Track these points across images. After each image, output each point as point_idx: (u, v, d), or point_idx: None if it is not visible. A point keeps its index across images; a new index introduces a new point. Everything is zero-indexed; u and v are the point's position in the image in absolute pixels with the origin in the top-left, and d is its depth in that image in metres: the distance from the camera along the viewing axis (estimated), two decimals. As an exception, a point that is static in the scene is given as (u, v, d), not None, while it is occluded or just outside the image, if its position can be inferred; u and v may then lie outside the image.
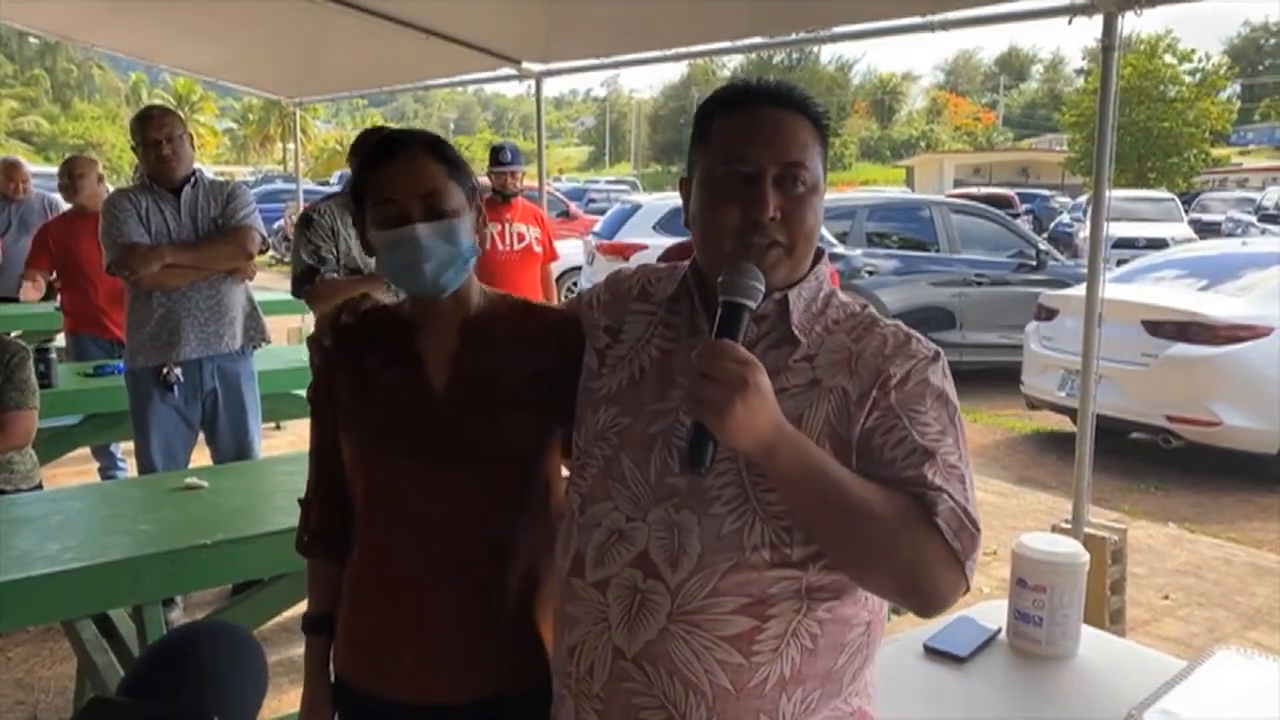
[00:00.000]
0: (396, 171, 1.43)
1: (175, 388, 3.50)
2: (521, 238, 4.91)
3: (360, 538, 1.53)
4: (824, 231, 7.52)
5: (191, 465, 3.63)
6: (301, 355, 5.02)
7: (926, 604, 1.18)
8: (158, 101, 47.65)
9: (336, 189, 3.95)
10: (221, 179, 3.93)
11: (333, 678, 1.56)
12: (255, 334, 3.73)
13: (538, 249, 4.97)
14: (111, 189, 4.17)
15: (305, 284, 3.39)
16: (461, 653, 1.47)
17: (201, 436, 3.73)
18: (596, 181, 29.20)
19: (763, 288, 1.18)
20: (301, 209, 3.64)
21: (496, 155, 4.95)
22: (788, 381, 1.21)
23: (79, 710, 0.84)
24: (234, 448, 3.66)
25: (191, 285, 3.51)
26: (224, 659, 0.93)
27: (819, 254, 1.29)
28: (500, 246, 4.80)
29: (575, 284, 11.18)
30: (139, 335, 3.52)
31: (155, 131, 3.47)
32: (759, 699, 1.17)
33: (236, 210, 3.64)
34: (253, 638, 0.98)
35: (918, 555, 1.14)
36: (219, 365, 3.59)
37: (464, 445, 1.45)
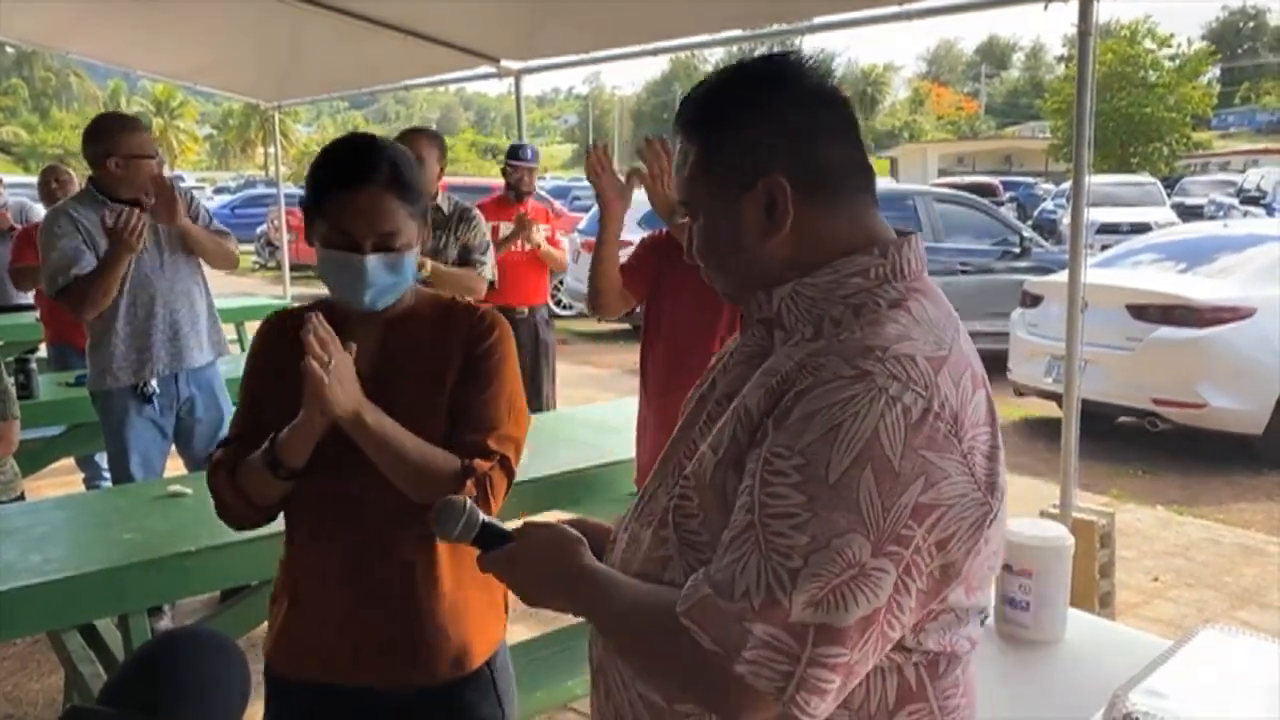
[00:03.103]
0: (357, 208, 1.50)
1: (153, 399, 3.46)
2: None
3: (292, 529, 1.61)
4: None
5: (167, 474, 3.59)
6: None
7: (718, 715, 0.97)
8: (136, 109, 47.42)
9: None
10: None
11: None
12: (218, 343, 3.68)
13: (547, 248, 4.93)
14: None
15: None
16: (397, 641, 1.57)
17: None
18: (580, 179, 29.13)
19: (462, 510, 1.15)
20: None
21: (516, 152, 4.88)
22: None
23: (57, 720, 0.83)
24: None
25: (160, 302, 3.41)
26: (204, 665, 0.92)
27: (892, 243, 1.03)
28: (513, 246, 4.72)
29: (561, 282, 11.14)
30: (103, 355, 3.40)
31: (152, 146, 3.34)
32: None
33: (209, 220, 3.61)
34: (234, 644, 0.97)
35: (666, 665, 0.97)
36: (192, 373, 3.56)
37: (353, 456, 1.50)
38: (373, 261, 1.51)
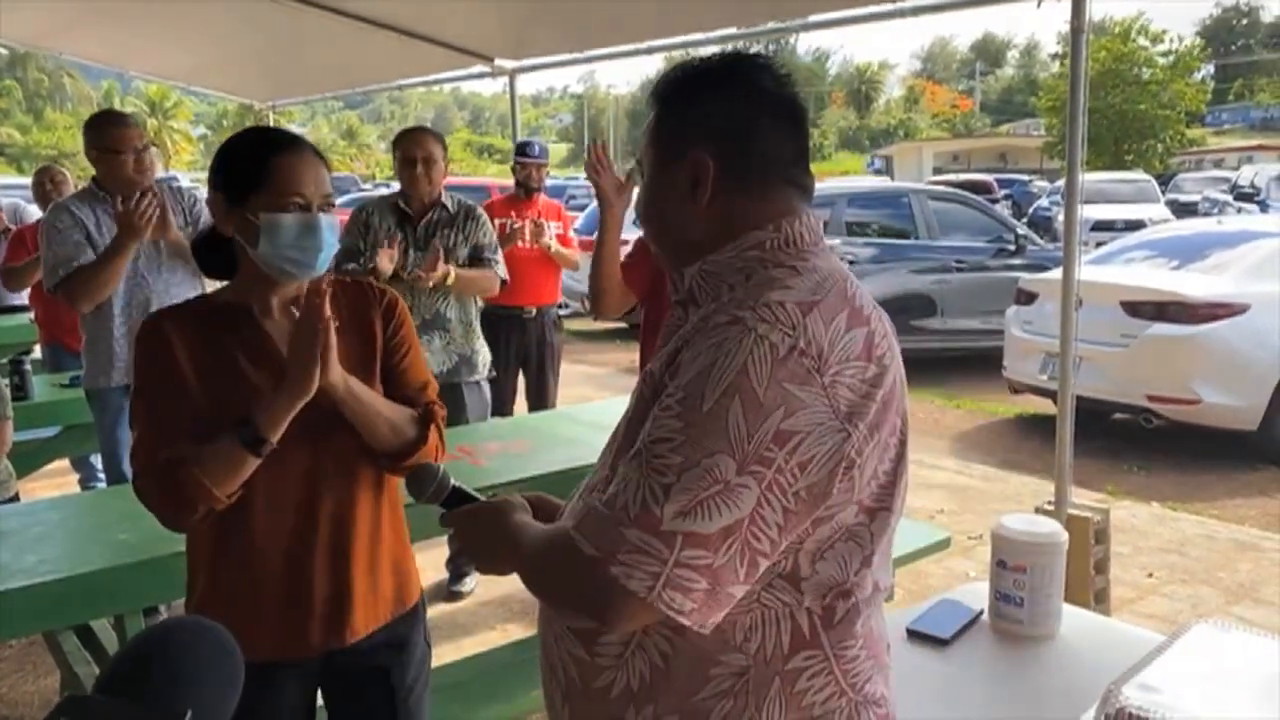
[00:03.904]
0: (305, 169, 1.60)
1: None
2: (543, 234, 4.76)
3: (231, 517, 1.58)
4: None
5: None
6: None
7: (600, 620, 1.08)
8: (130, 109, 47.32)
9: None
10: (178, 186, 3.83)
11: None
12: None
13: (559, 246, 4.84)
14: None
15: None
16: (363, 594, 1.69)
17: None
18: (577, 178, 29.06)
19: (437, 475, 1.31)
20: None
21: (524, 149, 4.81)
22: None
23: (52, 710, 0.83)
24: None
25: (155, 303, 3.35)
26: (197, 654, 0.92)
27: (785, 219, 1.14)
28: (521, 243, 4.65)
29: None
30: (99, 354, 3.40)
31: (136, 140, 3.31)
32: (605, 703, 1.13)
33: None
34: (227, 633, 0.97)
35: (556, 579, 1.10)
36: None
37: (311, 419, 1.56)
38: (324, 220, 1.61)
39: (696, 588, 1.00)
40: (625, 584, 0.99)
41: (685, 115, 1.17)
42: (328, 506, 1.64)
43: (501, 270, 3.73)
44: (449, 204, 3.68)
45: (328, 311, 1.51)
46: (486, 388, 3.90)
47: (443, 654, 2.82)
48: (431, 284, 3.46)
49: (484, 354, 3.84)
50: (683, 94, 1.18)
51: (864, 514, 1.09)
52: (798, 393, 1.01)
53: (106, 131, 3.32)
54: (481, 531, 1.24)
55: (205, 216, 3.59)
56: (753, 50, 1.26)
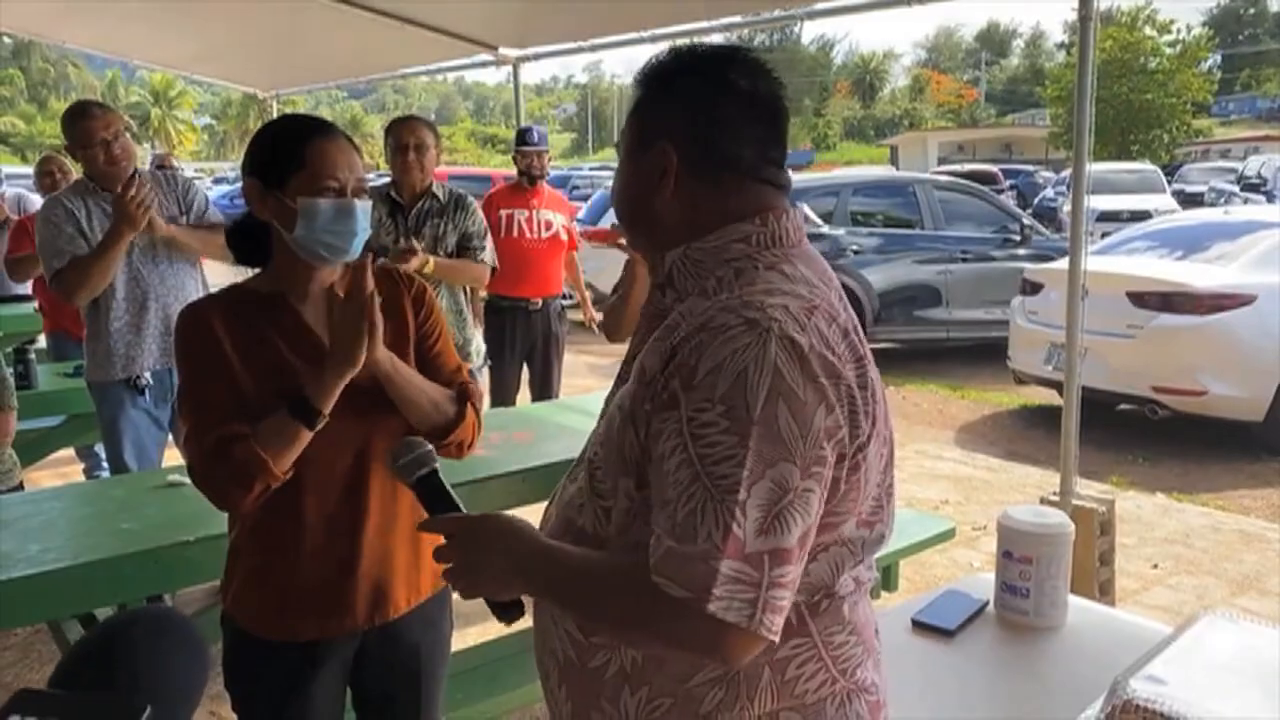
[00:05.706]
0: (340, 154, 1.62)
1: (146, 391, 3.44)
2: (549, 225, 4.72)
3: (280, 497, 1.59)
4: (808, 211, 7.15)
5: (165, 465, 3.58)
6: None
7: (714, 661, 1.05)
8: (134, 99, 47.08)
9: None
10: (167, 171, 3.79)
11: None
12: None
13: (564, 237, 4.80)
14: None
15: None
16: (398, 573, 1.72)
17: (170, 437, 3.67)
18: (580, 168, 28.93)
19: (425, 448, 1.32)
20: None
21: (523, 136, 4.76)
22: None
23: (5, 704, 0.81)
24: None
25: (153, 298, 3.37)
26: (160, 647, 0.90)
27: (772, 213, 1.14)
28: (528, 234, 4.62)
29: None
30: (98, 348, 3.38)
31: (103, 131, 3.25)
32: (600, 683, 1.14)
33: (205, 207, 3.59)
34: (193, 626, 0.95)
35: (644, 625, 1.04)
36: None
37: (360, 398, 1.60)
38: (359, 205, 1.63)
39: (785, 604, 1.00)
40: (724, 618, 0.96)
41: (659, 105, 1.17)
42: (376, 486, 1.67)
43: (490, 258, 3.71)
44: (439, 193, 3.67)
45: (371, 284, 1.54)
46: (481, 376, 3.89)
47: (446, 643, 2.81)
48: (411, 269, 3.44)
49: (477, 342, 3.83)
50: (661, 83, 1.18)
51: (862, 527, 1.11)
52: (829, 390, 1.02)
53: (72, 126, 3.28)
54: (491, 547, 1.17)
55: (200, 203, 3.57)
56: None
